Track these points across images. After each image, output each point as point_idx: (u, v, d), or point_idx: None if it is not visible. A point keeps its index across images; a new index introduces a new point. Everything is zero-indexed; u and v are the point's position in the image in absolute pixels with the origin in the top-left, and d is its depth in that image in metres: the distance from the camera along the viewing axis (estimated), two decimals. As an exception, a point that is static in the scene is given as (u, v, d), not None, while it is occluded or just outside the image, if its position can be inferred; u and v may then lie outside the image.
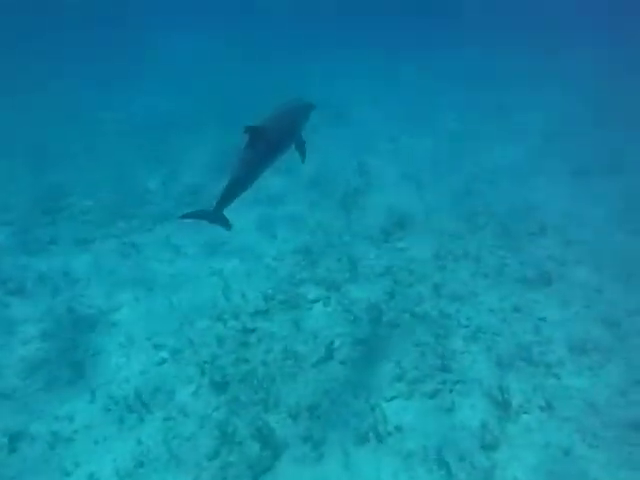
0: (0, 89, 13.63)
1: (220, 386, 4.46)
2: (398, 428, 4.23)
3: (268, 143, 3.93)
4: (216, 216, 4.05)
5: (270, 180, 8.74)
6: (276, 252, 6.52)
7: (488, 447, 4.08)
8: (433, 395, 4.58)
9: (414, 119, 11.87)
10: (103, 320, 5.29)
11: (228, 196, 3.91)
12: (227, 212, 4.00)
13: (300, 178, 8.60)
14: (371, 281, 5.96)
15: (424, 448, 4.08)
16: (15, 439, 3.91)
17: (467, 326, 5.40)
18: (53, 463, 3.74)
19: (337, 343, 5.03)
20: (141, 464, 3.77)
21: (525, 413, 4.34)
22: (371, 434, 4.17)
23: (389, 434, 4.18)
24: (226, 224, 4.11)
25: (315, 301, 5.61)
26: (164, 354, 4.86)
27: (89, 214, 7.76)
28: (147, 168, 9.32)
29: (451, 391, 4.64)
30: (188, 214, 4.18)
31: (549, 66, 15.46)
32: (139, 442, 3.95)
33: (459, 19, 20.93)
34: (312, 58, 17.20)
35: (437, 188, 8.31)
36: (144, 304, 5.58)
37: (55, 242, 6.98)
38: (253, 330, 5.15)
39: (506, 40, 17.85)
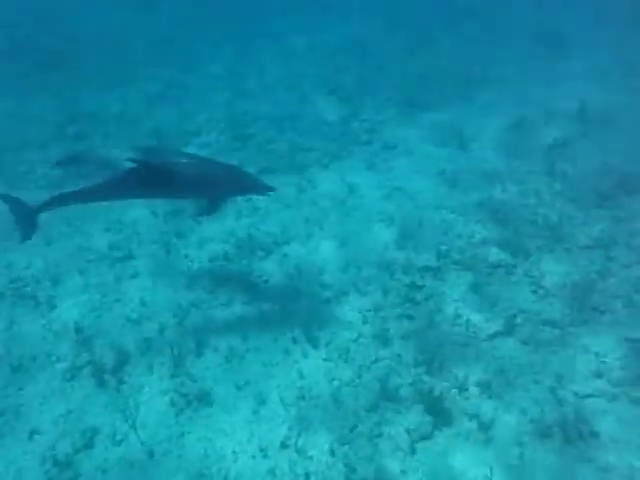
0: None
1: (381, 339, 4.25)
2: (594, 434, 3.48)
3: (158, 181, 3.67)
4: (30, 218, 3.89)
5: (460, 112, 7.85)
6: (456, 204, 5.84)
7: None
8: (647, 404, 3.64)
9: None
10: (276, 251, 5.47)
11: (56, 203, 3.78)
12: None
13: (498, 117, 7.47)
14: (573, 253, 4.92)
15: (630, 465, 3.28)
16: (201, 345, 4.34)
17: None
18: (228, 375, 4.07)
19: (520, 319, 4.33)
20: (303, 397, 3.85)
21: None
22: (556, 429, 3.52)
23: (581, 437, 3.47)
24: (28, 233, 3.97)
25: (496, 266, 4.88)
26: (328, 294, 4.82)
27: (272, 144, 8.02)
28: (327, 98, 9.26)
29: (674, 404, 3.63)
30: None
31: None
32: (301, 375, 4.03)
33: None
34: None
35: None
36: (314, 241, 5.59)
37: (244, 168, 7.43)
38: (421, 287, 4.74)
39: None
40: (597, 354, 4.03)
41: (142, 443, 3.47)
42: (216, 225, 6.06)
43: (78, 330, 4.47)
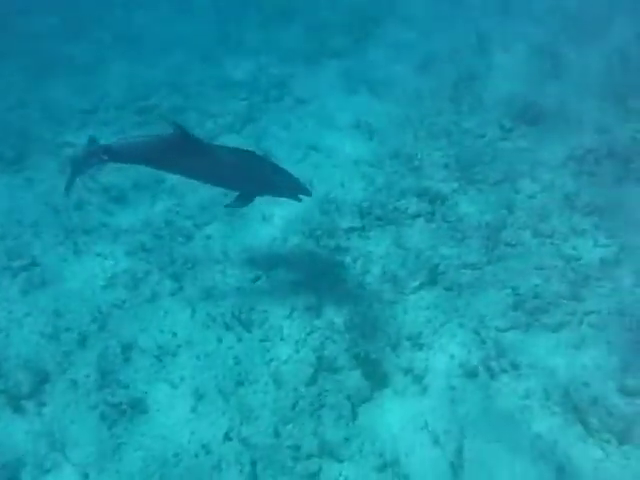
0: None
1: (314, 309, 4.25)
2: (514, 365, 3.75)
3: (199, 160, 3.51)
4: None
5: (368, 55, 7.68)
6: (373, 157, 5.78)
7: (629, 393, 3.46)
8: (558, 328, 3.96)
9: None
10: (198, 234, 5.21)
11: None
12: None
13: (405, 58, 7.36)
14: (484, 192, 5.09)
15: (545, 389, 3.59)
16: (127, 349, 4.13)
17: (608, 245, 4.47)
18: (161, 375, 3.93)
19: (442, 266, 4.46)
20: (241, 383, 3.82)
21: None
22: (481, 368, 3.77)
23: (503, 370, 3.73)
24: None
25: (416, 216, 4.95)
26: (258, 271, 4.70)
27: (179, 114, 7.43)
28: (232, 56, 8.65)
29: (581, 323, 3.97)
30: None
31: None
32: (238, 361, 3.97)
33: None
34: None
35: (581, 63, 6.55)
36: (236, 217, 5.35)
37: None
38: (348, 249, 4.74)
39: None
40: (513, 288, 4.28)
41: (74, 465, 3.31)
42: (129, 215, 5.64)
43: (-15, 356, 4.09)
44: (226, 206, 3.92)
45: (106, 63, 8.85)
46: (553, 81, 6.32)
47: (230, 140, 6.63)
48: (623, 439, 3.27)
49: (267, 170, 3.74)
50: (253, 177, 3.72)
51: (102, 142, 3.73)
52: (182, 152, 3.50)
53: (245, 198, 3.83)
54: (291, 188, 3.80)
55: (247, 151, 3.80)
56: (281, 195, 3.93)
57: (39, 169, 6.41)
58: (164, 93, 7.84)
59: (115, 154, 3.64)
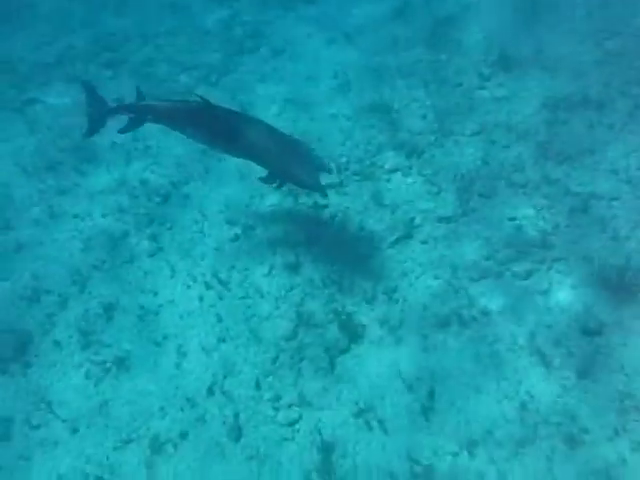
0: None
1: (293, 266, 4.31)
2: (484, 312, 3.92)
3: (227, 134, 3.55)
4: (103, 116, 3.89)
5: (342, 9, 7.35)
6: (351, 110, 5.67)
7: (590, 332, 3.66)
8: (528, 275, 4.09)
9: None
10: (175, 193, 5.16)
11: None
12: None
13: (385, 6, 7.04)
14: (460, 144, 5.06)
15: (513, 334, 3.78)
16: (109, 309, 4.20)
17: (578, 193, 4.55)
18: (144, 334, 4.03)
19: (418, 220, 4.52)
20: (223, 340, 3.94)
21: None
22: (454, 318, 3.92)
23: (474, 319, 3.90)
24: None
25: (394, 171, 4.94)
26: (237, 230, 4.72)
27: (150, 66, 7.15)
28: (203, 4, 8.17)
29: (549, 269, 4.10)
30: None
31: None
32: (219, 319, 4.07)
33: None
34: None
35: (560, 6, 6.36)
36: (214, 175, 5.30)
37: (121, 101, 6.64)
38: (325, 205, 4.75)
39: None
40: (486, 239, 4.37)
41: (63, 421, 3.45)
42: (104, 175, 5.53)
43: (-34, 322, 4.13)
44: (260, 179, 3.93)
45: (69, 12, 8.32)
46: (532, 25, 6.13)
47: (206, 93, 6.33)
48: (582, 375, 3.49)
49: (286, 152, 3.61)
50: (270, 155, 3.66)
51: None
52: (213, 125, 3.57)
53: (272, 176, 3.82)
54: (303, 181, 3.61)
55: (285, 137, 3.68)
56: (292, 183, 3.76)
57: (5, 128, 6.18)
58: (133, 44, 7.47)
59: (156, 116, 3.72)
